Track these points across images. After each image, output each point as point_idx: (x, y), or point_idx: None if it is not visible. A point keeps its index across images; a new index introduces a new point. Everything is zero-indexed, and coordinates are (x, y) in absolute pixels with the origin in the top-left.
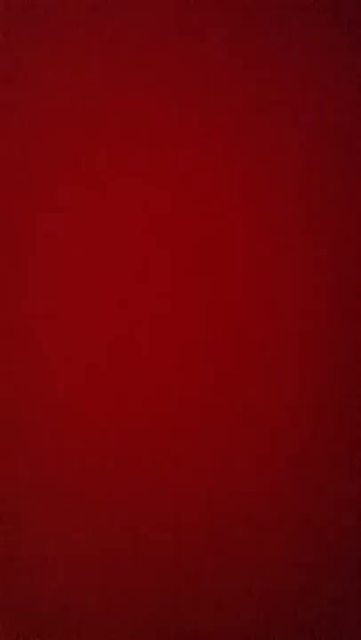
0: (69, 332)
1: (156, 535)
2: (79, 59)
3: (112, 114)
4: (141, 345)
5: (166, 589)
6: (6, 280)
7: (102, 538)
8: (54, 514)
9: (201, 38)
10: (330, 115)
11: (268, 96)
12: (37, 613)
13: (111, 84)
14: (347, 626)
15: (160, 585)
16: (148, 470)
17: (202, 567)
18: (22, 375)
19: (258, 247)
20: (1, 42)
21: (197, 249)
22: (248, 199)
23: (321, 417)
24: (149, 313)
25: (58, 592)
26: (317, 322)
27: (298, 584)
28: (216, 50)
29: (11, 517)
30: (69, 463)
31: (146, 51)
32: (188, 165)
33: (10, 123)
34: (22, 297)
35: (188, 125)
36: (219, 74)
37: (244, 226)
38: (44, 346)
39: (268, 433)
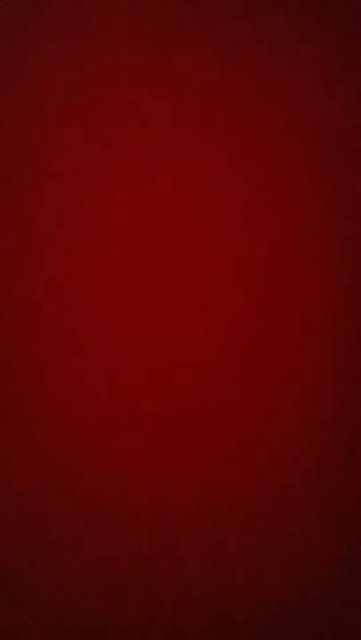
0: (69, 333)
1: (155, 536)
2: (80, 54)
3: (113, 112)
4: (144, 344)
5: (165, 588)
6: (6, 278)
7: (101, 539)
8: (52, 512)
9: (200, 37)
10: (330, 112)
11: (267, 96)
12: (34, 614)
13: (111, 82)
14: (350, 626)
15: (159, 583)
16: (146, 476)
17: (202, 566)
18: (19, 373)
19: (257, 246)
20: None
21: (198, 250)
22: (249, 199)
23: (323, 414)
24: (149, 317)
25: (54, 588)
26: (317, 321)
27: (299, 582)
28: (217, 45)
29: (8, 516)
30: (69, 465)
31: (146, 45)
32: (187, 167)
33: (10, 122)
34: (22, 295)
35: (190, 125)
36: (219, 71)
37: (245, 225)
38: (41, 346)
39: (269, 435)
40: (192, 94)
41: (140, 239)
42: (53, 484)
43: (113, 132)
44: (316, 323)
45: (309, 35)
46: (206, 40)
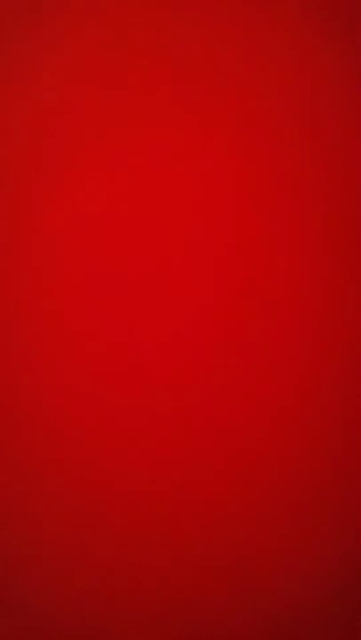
0: (67, 328)
1: (155, 536)
2: (80, 43)
3: (114, 102)
4: (142, 337)
5: (164, 588)
6: (6, 271)
7: (99, 541)
8: (51, 513)
9: (199, 29)
10: (328, 109)
11: (266, 92)
12: (33, 616)
13: (113, 78)
14: (347, 631)
15: (159, 583)
16: (146, 477)
17: (200, 568)
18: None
19: (255, 238)
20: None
21: (196, 243)
22: (246, 194)
23: (323, 409)
24: (149, 312)
25: (53, 587)
26: (315, 317)
27: (297, 584)
28: (217, 35)
29: (5, 518)
30: (67, 465)
31: (147, 35)
32: (186, 160)
33: (12, 113)
34: (20, 288)
35: (189, 115)
36: (218, 62)
37: (242, 218)
38: (39, 343)
39: (267, 432)
40: (193, 78)
41: (138, 228)
42: (49, 480)
43: (111, 119)
44: (316, 321)
45: (311, 31)
46: (204, 27)
